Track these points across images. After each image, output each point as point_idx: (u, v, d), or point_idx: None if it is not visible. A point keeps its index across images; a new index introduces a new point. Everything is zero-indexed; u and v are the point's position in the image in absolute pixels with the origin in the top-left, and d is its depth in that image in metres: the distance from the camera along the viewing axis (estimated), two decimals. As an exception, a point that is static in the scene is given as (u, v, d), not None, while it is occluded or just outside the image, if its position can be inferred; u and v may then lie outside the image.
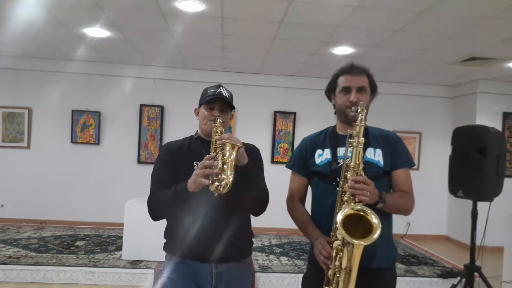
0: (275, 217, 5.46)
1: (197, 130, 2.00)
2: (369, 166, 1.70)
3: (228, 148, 1.62)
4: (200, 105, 1.94)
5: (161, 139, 6.27)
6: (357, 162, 1.61)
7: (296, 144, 6.60)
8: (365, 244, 1.44)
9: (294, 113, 6.44)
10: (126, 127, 6.29)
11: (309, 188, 1.96)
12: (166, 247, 1.91)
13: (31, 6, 3.76)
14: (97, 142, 6.23)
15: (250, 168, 1.74)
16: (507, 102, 6.13)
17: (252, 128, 6.29)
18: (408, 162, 1.84)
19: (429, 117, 6.68)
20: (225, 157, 1.62)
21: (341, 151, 1.79)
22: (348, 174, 1.60)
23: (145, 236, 4.35)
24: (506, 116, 6.13)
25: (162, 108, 6.27)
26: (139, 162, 6.28)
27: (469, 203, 3.57)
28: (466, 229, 3.94)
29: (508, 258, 4.15)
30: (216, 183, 1.59)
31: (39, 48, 5.49)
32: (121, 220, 4.49)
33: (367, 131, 1.79)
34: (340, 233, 1.47)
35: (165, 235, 1.91)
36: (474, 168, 3.33)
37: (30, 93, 6.16)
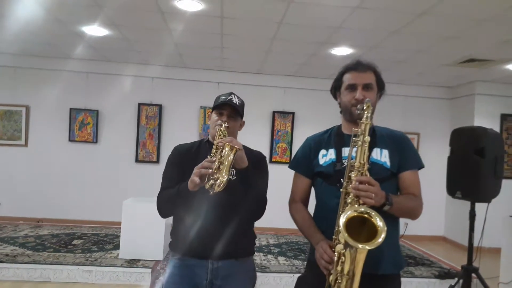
0: (273, 217, 5.45)
1: (207, 134, 2.05)
2: (375, 167, 1.63)
3: (226, 149, 1.66)
4: (212, 110, 1.99)
5: (159, 138, 6.26)
6: (362, 162, 1.53)
7: (294, 144, 6.62)
8: (369, 248, 1.36)
9: (293, 113, 6.45)
10: (124, 126, 6.28)
11: (312, 190, 1.91)
12: (170, 245, 1.97)
13: (30, 4, 3.75)
14: (95, 140, 6.22)
15: (249, 172, 1.76)
16: (505, 104, 6.14)
17: (250, 128, 6.19)
18: (417, 164, 1.77)
19: (427, 118, 6.69)
20: (222, 158, 1.65)
21: (346, 151, 1.72)
22: (352, 175, 1.53)
23: (143, 235, 4.35)
24: (504, 117, 6.14)
25: (160, 107, 6.26)
26: (137, 161, 6.27)
27: (466, 204, 3.58)
28: (464, 230, 3.95)
29: (505, 259, 4.16)
30: (211, 182, 1.62)
31: (37, 46, 5.48)
32: (118, 219, 4.48)
33: (374, 131, 1.74)
34: (343, 236, 1.39)
35: (171, 234, 1.96)
36: (472, 170, 3.34)
37: (28, 91, 6.13)
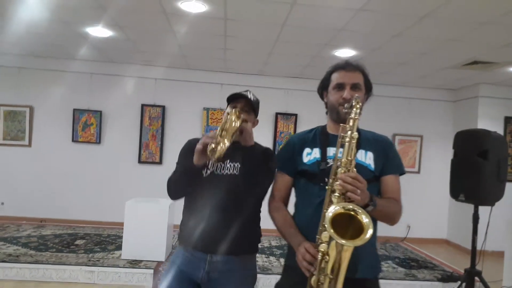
0: (275, 219, 5.46)
1: None
2: (359, 168, 1.56)
3: (232, 117, 1.65)
4: (227, 105, 1.96)
5: (162, 139, 6.27)
6: (350, 158, 1.49)
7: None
8: (356, 244, 1.32)
9: (295, 115, 6.44)
10: (127, 127, 6.29)
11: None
12: (178, 236, 2.01)
13: (35, 5, 3.77)
14: (98, 141, 6.23)
15: (253, 167, 1.74)
16: (509, 107, 6.12)
17: (253, 129, 6.25)
18: (399, 169, 1.76)
19: (430, 120, 6.67)
20: (226, 124, 1.64)
21: (331, 151, 1.69)
22: (339, 171, 1.48)
23: (145, 236, 4.36)
24: (507, 120, 6.11)
25: (163, 108, 6.27)
26: (140, 162, 6.28)
27: (469, 207, 3.57)
28: (467, 233, 3.94)
29: (508, 262, 4.14)
30: (212, 146, 1.60)
31: (41, 47, 5.50)
32: (121, 220, 4.49)
33: (359, 133, 1.65)
34: (329, 232, 1.34)
35: (180, 224, 1.99)
36: (475, 173, 3.34)
37: (32, 92, 6.16)
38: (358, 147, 1.65)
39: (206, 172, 1.85)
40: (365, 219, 1.36)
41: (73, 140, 6.21)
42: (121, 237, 4.62)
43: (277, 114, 6.42)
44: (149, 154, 6.28)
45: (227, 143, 1.61)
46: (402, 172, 1.77)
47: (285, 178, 1.81)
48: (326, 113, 1.81)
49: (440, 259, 5.28)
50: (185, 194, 1.92)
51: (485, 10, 3.30)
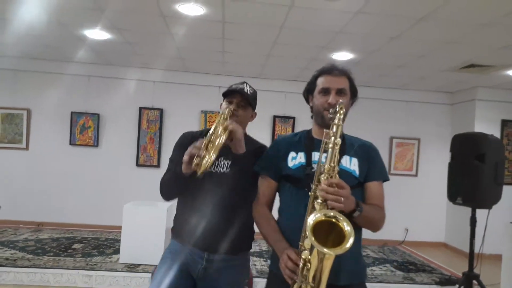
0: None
1: None
2: (344, 174, 1.55)
3: (219, 128, 1.62)
4: (223, 99, 1.94)
5: (160, 142, 6.26)
6: (332, 165, 1.47)
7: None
8: (336, 253, 1.30)
9: (293, 118, 6.45)
10: (125, 130, 6.28)
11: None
12: (172, 229, 2.01)
13: (33, 7, 3.76)
14: (95, 144, 6.22)
15: (246, 166, 1.75)
16: (506, 110, 6.14)
17: (251, 132, 6.22)
18: (383, 176, 1.74)
19: (427, 123, 6.68)
20: (213, 136, 1.62)
21: (316, 155, 1.66)
22: (322, 178, 1.46)
23: (143, 239, 4.34)
24: (504, 123, 6.14)
25: (161, 111, 6.27)
26: (137, 165, 6.27)
27: (467, 210, 3.58)
28: (465, 236, 3.94)
29: (506, 266, 4.14)
30: (196, 160, 1.58)
31: (39, 50, 5.49)
32: (119, 223, 4.47)
33: (343, 138, 1.68)
34: (309, 240, 1.32)
35: (174, 218, 2.00)
36: (473, 176, 3.34)
37: (29, 94, 6.15)
38: (343, 152, 1.65)
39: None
40: (346, 227, 1.34)
41: (70, 143, 6.19)
42: (119, 241, 4.60)
43: (275, 117, 6.43)
44: (147, 157, 6.27)
45: (213, 157, 1.59)
46: (386, 179, 1.76)
47: (269, 182, 1.78)
48: (311, 117, 1.80)
49: (438, 263, 5.28)
50: (178, 196, 1.94)
51: (483, 12, 3.32)
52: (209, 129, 1.91)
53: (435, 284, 4.32)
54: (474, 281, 3.44)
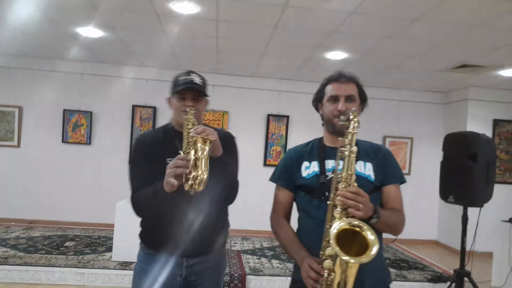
0: (266, 220, 5.44)
1: (171, 120, 1.90)
2: (359, 180, 1.54)
3: (199, 144, 1.53)
4: (172, 94, 1.80)
5: (153, 140, 6.23)
6: (350, 172, 1.47)
7: (289, 148, 6.61)
8: (361, 262, 1.29)
9: (287, 117, 6.46)
10: (118, 128, 6.25)
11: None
12: (140, 236, 1.91)
13: (25, 5, 3.73)
14: (88, 142, 6.19)
15: (224, 158, 1.68)
16: (497, 109, 6.20)
17: (245, 130, 6.29)
18: (400, 178, 1.74)
19: (420, 122, 6.73)
20: (198, 152, 1.52)
21: (329, 163, 1.68)
22: (340, 186, 1.46)
23: (136, 237, 4.31)
24: (496, 123, 6.20)
25: (154, 109, 6.25)
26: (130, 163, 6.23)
27: (459, 208, 3.62)
28: (456, 234, 3.98)
29: (497, 263, 4.20)
30: (190, 182, 1.50)
31: (31, 47, 5.44)
32: (111, 221, 4.46)
33: (356, 144, 1.68)
34: (334, 249, 1.31)
35: (141, 224, 1.91)
36: (465, 174, 3.37)
37: (21, 92, 6.10)
38: (357, 158, 1.63)
39: None
40: (370, 236, 1.34)
41: (63, 141, 6.15)
42: (111, 239, 4.59)
43: (269, 115, 6.43)
44: (140, 155, 6.23)
45: (205, 173, 1.51)
46: (403, 181, 1.75)
47: (285, 193, 1.79)
48: (322, 125, 1.80)
49: (430, 260, 5.32)
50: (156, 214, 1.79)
51: (475, 13, 3.34)
52: (165, 128, 1.87)
53: (427, 281, 4.35)
54: (465, 278, 3.48)
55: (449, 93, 6.63)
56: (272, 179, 1.84)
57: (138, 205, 1.76)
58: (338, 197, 1.43)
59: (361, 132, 1.74)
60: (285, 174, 1.79)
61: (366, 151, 1.72)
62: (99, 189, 6.17)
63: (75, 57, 5.84)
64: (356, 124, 1.52)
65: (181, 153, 1.56)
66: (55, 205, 6.15)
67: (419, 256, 5.51)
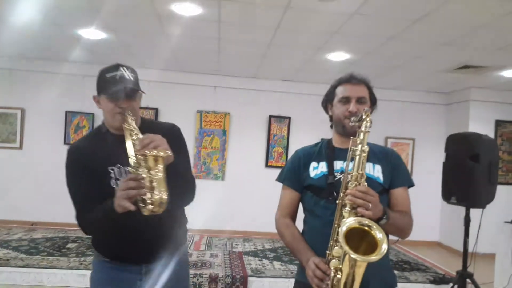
0: (268, 221, 5.43)
1: (103, 122, 1.71)
2: (368, 182, 1.54)
3: (150, 163, 1.35)
4: (99, 93, 1.61)
5: (155, 142, 6.23)
6: (360, 172, 1.47)
7: (290, 149, 6.61)
8: (371, 260, 1.29)
9: (289, 118, 6.45)
10: (120, 129, 6.25)
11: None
12: (93, 243, 1.78)
13: (27, 7, 3.74)
14: (90, 144, 6.18)
15: (175, 160, 1.51)
16: (499, 110, 6.19)
17: (246, 132, 6.29)
18: (408, 181, 1.75)
19: (422, 123, 6.72)
20: (151, 172, 1.35)
21: (338, 164, 1.68)
22: (350, 185, 1.46)
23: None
24: (498, 123, 6.18)
25: (156, 110, 6.25)
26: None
27: (461, 209, 3.60)
28: (459, 235, 3.97)
29: (500, 265, 4.18)
30: (149, 206, 1.35)
31: (33, 49, 5.46)
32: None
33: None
34: (343, 247, 1.31)
35: (97, 235, 1.80)
36: (467, 175, 3.37)
37: (23, 94, 6.11)
38: (367, 160, 1.64)
39: (117, 183, 1.60)
40: (378, 234, 1.34)
41: (65, 143, 6.16)
42: (113, 241, 4.57)
43: (270, 117, 6.42)
44: (142, 157, 6.23)
45: (164, 193, 1.36)
46: (411, 184, 1.76)
47: (292, 193, 1.79)
48: (331, 126, 1.80)
49: (432, 261, 5.30)
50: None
51: (478, 14, 3.34)
52: (98, 131, 1.71)
53: (429, 283, 4.33)
54: (468, 280, 3.47)
55: (451, 94, 6.61)
56: (279, 179, 1.84)
57: (86, 226, 1.64)
58: (347, 196, 1.43)
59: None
60: (292, 175, 1.79)
61: (375, 154, 1.72)
62: (101, 191, 6.17)
63: (77, 59, 5.84)
64: (368, 124, 1.53)
65: (130, 169, 1.41)
66: (57, 207, 6.12)
67: (421, 258, 5.49)
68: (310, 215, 1.74)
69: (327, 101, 1.81)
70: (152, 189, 1.35)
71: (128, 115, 1.52)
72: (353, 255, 1.28)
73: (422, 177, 6.51)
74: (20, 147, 6.14)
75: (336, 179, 1.64)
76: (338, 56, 4.79)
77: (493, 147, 3.48)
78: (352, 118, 1.59)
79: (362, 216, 1.40)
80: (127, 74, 1.61)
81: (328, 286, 1.40)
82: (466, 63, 4.80)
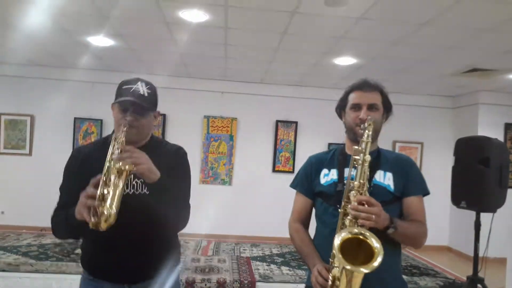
0: (276, 226, 5.44)
1: (113, 131, 1.70)
2: (377, 189, 1.56)
3: (113, 175, 1.31)
4: (114, 102, 1.61)
5: (162, 147, 6.26)
6: (362, 181, 1.48)
7: (297, 154, 6.59)
8: (364, 271, 1.28)
9: (296, 123, 6.45)
10: (128, 135, 6.29)
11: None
12: (81, 261, 1.74)
13: (36, 14, 3.79)
14: (99, 149, 6.23)
15: (165, 182, 1.47)
16: (509, 113, 6.13)
17: (253, 137, 6.30)
18: (423, 190, 1.71)
19: (430, 127, 6.68)
20: (109, 183, 1.31)
21: (348, 172, 1.68)
22: (352, 195, 1.46)
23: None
24: (508, 127, 6.13)
25: (164, 116, 6.29)
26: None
27: (471, 213, 3.57)
28: (468, 240, 3.93)
29: (511, 269, 4.12)
30: (94, 219, 1.29)
31: (43, 56, 5.53)
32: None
33: (379, 153, 1.72)
34: (337, 258, 1.31)
35: (81, 247, 1.75)
36: (477, 179, 3.33)
37: (33, 101, 6.18)
38: (377, 167, 1.65)
39: None
40: (375, 243, 1.33)
41: (73, 149, 6.20)
42: (122, 246, 4.58)
43: (277, 121, 6.43)
44: (149, 162, 6.26)
45: (113, 209, 1.29)
46: (426, 193, 1.73)
47: (304, 199, 1.82)
48: (346, 132, 1.80)
49: (442, 266, 5.25)
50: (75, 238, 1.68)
51: (485, 17, 3.32)
52: (106, 138, 1.68)
53: (439, 289, 4.30)
54: (479, 285, 3.43)
55: (459, 98, 6.57)
56: (292, 185, 1.88)
57: (53, 226, 1.61)
58: (350, 209, 1.43)
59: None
60: (305, 181, 1.82)
61: (388, 161, 1.71)
62: (109, 196, 6.20)
63: (85, 66, 5.90)
64: (370, 133, 1.54)
65: (100, 177, 1.37)
66: (66, 213, 6.19)
67: (431, 262, 5.44)
68: (320, 222, 1.76)
69: (341, 108, 1.81)
70: (103, 201, 1.30)
71: (124, 129, 1.47)
72: (346, 266, 1.29)
73: (431, 181, 6.41)
74: (30, 154, 6.20)
75: (345, 186, 1.64)
76: (345, 60, 4.79)
77: (503, 150, 3.45)
78: (362, 126, 1.60)
79: (363, 226, 1.39)
80: (143, 90, 1.59)
81: None
82: (473, 66, 4.78)
